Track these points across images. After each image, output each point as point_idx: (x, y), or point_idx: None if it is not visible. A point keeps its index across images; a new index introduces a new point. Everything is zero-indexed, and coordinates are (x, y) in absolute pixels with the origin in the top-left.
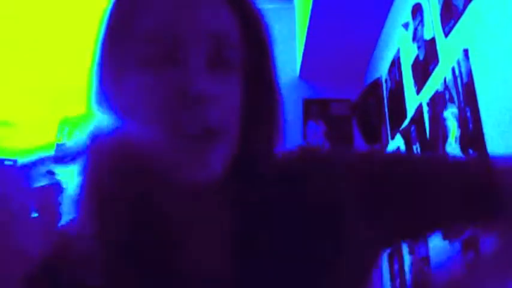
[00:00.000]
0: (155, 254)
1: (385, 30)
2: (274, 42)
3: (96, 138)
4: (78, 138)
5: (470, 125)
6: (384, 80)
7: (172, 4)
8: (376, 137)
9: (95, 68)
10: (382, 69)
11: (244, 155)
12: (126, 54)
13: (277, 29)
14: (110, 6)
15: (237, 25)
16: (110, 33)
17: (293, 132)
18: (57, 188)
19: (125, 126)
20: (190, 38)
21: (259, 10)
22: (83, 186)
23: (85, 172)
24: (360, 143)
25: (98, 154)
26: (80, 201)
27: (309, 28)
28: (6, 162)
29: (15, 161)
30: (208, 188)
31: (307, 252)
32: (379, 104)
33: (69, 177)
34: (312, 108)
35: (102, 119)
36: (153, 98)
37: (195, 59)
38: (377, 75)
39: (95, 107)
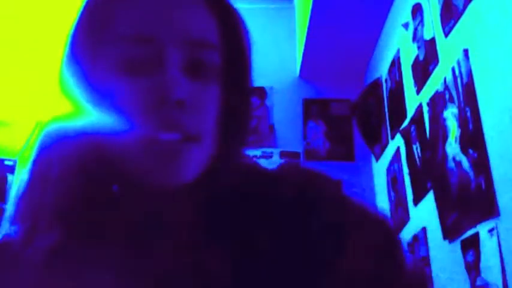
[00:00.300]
0: (119, 257)
1: (385, 30)
2: (253, 45)
3: (62, 138)
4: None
5: (470, 125)
6: (384, 80)
7: (151, 5)
8: (376, 137)
9: (69, 69)
10: (382, 69)
11: (217, 161)
12: (102, 56)
13: (277, 29)
14: (86, 3)
15: (216, 29)
16: (85, 32)
17: (293, 132)
18: None
19: (96, 127)
20: (168, 42)
21: (238, 13)
22: (45, 187)
23: (50, 172)
24: (360, 143)
25: (64, 154)
26: (38, 204)
27: (309, 28)
28: (6, 163)
29: (15, 161)
30: (177, 193)
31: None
32: (379, 104)
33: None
34: (312, 108)
35: (73, 119)
36: (129, 102)
37: (173, 64)
38: (377, 75)
39: (67, 106)
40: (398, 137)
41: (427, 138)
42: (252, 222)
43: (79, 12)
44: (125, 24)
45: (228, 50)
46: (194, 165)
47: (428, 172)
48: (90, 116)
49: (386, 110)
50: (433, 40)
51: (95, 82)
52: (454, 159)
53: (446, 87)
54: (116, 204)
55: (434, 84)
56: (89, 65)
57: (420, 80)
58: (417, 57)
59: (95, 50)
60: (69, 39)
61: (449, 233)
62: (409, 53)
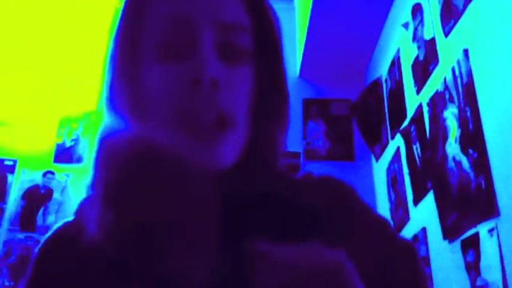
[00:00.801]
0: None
1: (385, 30)
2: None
3: (110, 132)
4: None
5: (470, 125)
6: (384, 80)
7: None
8: (376, 137)
9: (111, 59)
10: (382, 69)
11: (250, 150)
12: (139, 44)
13: None
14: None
15: (249, 17)
16: (123, 22)
17: (293, 132)
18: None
19: (138, 119)
20: (203, 24)
21: (270, 6)
22: (98, 176)
23: (99, 163)
24: (360, 143)
25: (111, 147)
26: (96, 186)
27: (309, 28)
28: (6, 163)
29: (15, 161)
30: (213, 180)
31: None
32: (379, 104)
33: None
34: (312, 108)
35: (116, 113)
36: (167, 88)
37: (207, 46)
38: (377, 75)
39: (109, 99)
40: (398, 137)
41: (427, 138)
42: (269, 225)
43: (119, 9)
44: (161, 4)
45: (260, 35)
46: (230, 151)
47: (428, 172)
48: (133, 112)
49: (386, 110)
50: (433, 40)
51: (139, 73)
52: (454, 159)
53: (446, 87)
54: (163, 189)
55: (434, 84)
56: (131, 58)
57: (420, 80)
58: (417, 57)
59: (137, 41)
60: (112, 35)
61: (449, 233)
62: (409, 53)
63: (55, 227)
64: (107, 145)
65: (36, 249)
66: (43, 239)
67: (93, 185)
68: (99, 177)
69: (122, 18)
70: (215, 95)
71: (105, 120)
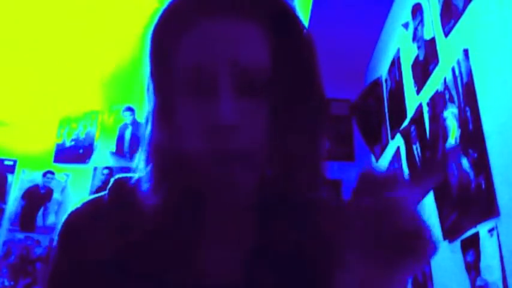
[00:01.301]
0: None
1: (385, 30)
2: (318, 58)
3: (156, 148)
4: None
5: (470, 125)
6: (384, 80)
7: (203, 40)
8: (376, 137)
9: (149, 95)
10: (382, 69)
11: (278, 178)
12: (170, 83)
13: None
14: (150, 40)
15: (269, 48)
16: (153, 65)
17: None
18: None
19: (175, 142)
20: (219, 72)
21: (303, 34)
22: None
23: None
24: (360, 143)
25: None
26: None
27: (308, 28)
28: (6, 163)
29: (15, 161)
30: (240, 204)
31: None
32: (379, 104)
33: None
34: None
35: (159, 135)
36: (192, 124)
37: (224, 91)
38: (377, 75)
39: (153, 125)
40: (398, 137)
41: (427, 138)
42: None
43: (148, 41)
44: (187, 54)
45: (285, 73)
46: (250, 181)
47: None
48: (171, 137)
49: (386, 110)
50: (433, 40)
51: (172, 107)
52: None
53: (446, 87)
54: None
55: (434, 84)
56: (165, 93)
57: (420, 80)
58: (417, 57)
59: (168, 80)
60: (145, 69)
61: (449, 233)
62: (409, 53)
63: (83, 200)
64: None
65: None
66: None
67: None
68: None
69: (151, 63)
70: (233, 135)
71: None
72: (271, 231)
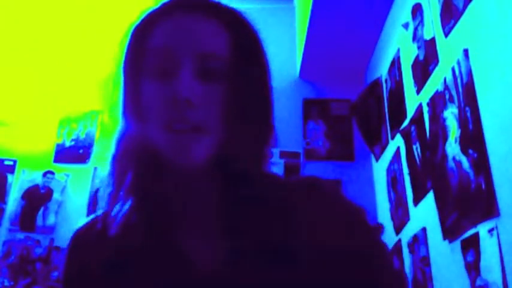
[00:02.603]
0: (161, 227)
1: (385, 30)
2: (268, 52)
3: (122, 135)
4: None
5: (470, 125)
6: (384, 80)
7: (173, 28)
8: (376, 137)
9: (118, 77)
10: (382, 69)
11: (229, 151)
12: (141, 66)
13: (277, 29)
14: (132, 29)
15: (226, 41)
16: (129, 49)
17: (293, 132)
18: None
19: (138, 124)
20: (184, 54)
21: (249, 25)
22: (112, 171)
23: (116, 160)
24: (360, 143)
25: (123, 146)
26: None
27: (309, 28)
28: (6, 163)
29: (15, 161)
30: (197, 174)
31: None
32: (379, 104)
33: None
34: (312, 108)
35: (125, 118)
36: (156, 102)
37: (186, 71)
38: (377, 75)
39: (121, 109)
40: (398, 137)
41: (427, 138)
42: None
43: (126, 38)
44: (157, 39)
45: (238, 57)
46: (202, 151)
47: (428, 172)
48: (135, 118)
49: (386, 110)
50: (433, 40)
51: (139, 88)
52: (454, 159)
53: (446, 87)
54: (160, 180)
55: (434, 84)
56: (134, 76)
57: (420, 80)
58: (417, 57)
59: (138, 64)
60: (119, 57)
61: (449, 233)
62: (409, 53)
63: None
64: (121, 145)
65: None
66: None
67: (113, 180)
68: (117, 173)
69: (128, 47)
70: (189, 111)
71: (118, 123)
72: (240, 212)
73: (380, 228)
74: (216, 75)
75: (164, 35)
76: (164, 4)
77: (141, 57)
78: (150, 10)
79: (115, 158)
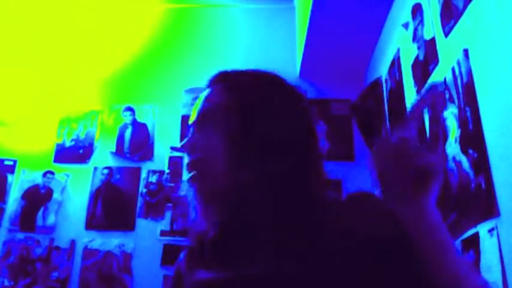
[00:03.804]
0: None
1: (385, 30)
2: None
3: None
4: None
5: (470, 125)
6: (384, 80)
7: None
8: (376, 137)
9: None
10: (382, 69)
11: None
12: None
13: (277, 29)
14: None
15: (228, 100)
16: None
17: None
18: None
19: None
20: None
21: (254, 85)
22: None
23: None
24: (360, 143)
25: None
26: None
27: (309, 28)
28: (6, 163)
29: (15, 161)
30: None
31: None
32: (379, 104)
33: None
34: (312, 108)
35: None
36: None
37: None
38: (377, 75)
39: None
40: None
41: (427, 138)
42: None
43: None
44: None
45: (239, 112)
46: (206, 184)
47: None
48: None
49: (386, 110)
50: (433, 40)
51: None
52: (454, 159)
53: (446, 87)
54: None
55: None
56: None
57: (420, 80)
58: (417, 57)
59: None
60: None
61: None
62: (409, 53)
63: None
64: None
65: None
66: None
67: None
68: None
69: None
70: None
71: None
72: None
73: None
74: (214, 122)
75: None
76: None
77: None
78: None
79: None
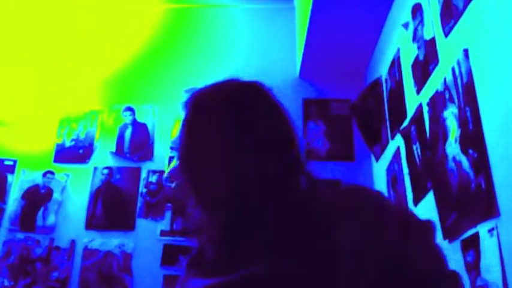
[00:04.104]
0: None
1: (385, 30)
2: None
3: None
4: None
5: (470, 125)
6: (384, 80)
7: None
8: (376, 137)
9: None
10: (382, 69)
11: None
12: None
13: (277, 29)
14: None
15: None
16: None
17: None
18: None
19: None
20: None
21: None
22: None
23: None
24: (360, 143)
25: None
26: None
27: (309, 28)
28: (6, 163)
29: (15, 161)
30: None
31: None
32: (379, 104)
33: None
34: (312, 108)
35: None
36: None
37: None
38: (377, 75)
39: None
40: (398, 137)
41: (427, 138)
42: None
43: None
44: None
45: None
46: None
47: (428, 172)
48: None
49: (386, 110)
50: (433, 40)
51: None
52: (454, 159)
53: (446, 87)
54: None
55: (434, 84)
56: None
57: (420, 80)
58: (417, 57)
59: None
60: None
61: (449, 233)
62: (409, 53)
63: None
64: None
65: None
66: None
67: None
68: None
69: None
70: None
71: None
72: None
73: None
74: None
75: None
76: None
77: None
78: None
79: None
